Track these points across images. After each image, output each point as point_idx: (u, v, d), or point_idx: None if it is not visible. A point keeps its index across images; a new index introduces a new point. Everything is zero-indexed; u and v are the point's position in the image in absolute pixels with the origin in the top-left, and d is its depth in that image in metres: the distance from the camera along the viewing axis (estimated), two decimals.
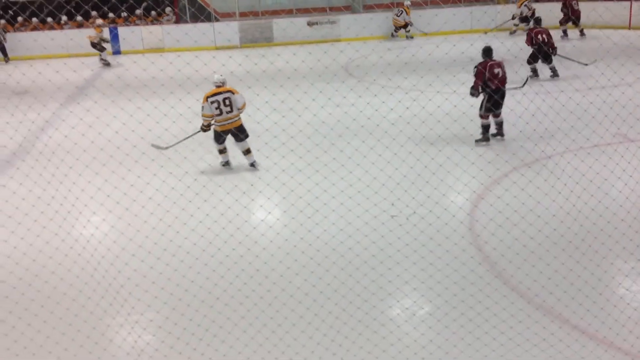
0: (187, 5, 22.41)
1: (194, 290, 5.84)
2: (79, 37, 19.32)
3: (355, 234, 6.56)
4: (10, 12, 20.39)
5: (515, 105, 8.11)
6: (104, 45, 19.29)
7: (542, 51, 12.71)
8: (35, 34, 20.44)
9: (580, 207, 6.61)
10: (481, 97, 9.50)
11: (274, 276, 6.04)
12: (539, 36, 13.05)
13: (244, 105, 8.78)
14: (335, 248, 6.34)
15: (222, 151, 9.17)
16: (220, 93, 8.66)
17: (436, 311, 5.52)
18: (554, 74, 13.27)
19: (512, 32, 20.52)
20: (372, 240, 6.42)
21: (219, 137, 8.97)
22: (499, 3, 22.86)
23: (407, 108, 8.23)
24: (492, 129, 9.50)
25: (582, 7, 18.75)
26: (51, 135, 7.94)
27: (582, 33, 19.00)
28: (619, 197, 6.80)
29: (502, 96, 9.40)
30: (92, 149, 7.62)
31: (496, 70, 9.35)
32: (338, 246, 6.38)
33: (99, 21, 19.94)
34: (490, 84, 9.31)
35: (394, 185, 7.30)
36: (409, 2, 21.15)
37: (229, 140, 9.08)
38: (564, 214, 6.59)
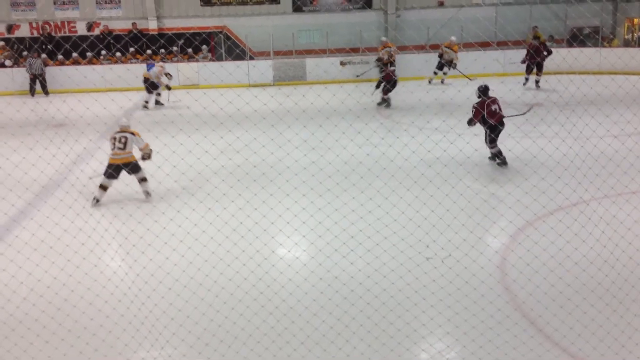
0: (223, 44, 22.88)
1: (227, 325, 5.88)
2: (117, 73, 19.63)
3: (389, 275, 6.56)
4: (50, 46, 20.97)
5: (553, 150, 8.10)
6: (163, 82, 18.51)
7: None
8: (74, 68, 20.85)
9: (618, 255, 6.55)
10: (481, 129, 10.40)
11: (306, 314, 6.04)
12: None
13: (146, 146, 9.39)
14: (369, 288, 6.35)
15: (103, 186, 9.34)
16: (120, 132, 9.38)
17: (470, 356, 5.48)
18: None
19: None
20: (406, 282, 6.41)
21: (107, 170, 9.34)
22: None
23: (445, 150, 8.28)
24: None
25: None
26: (95, 169, 8.12)
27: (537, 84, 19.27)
28: None
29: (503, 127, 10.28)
30: (135, 183, 7.78)
31: (493, 107, 10.15)
32: (372, 287, 6.38)
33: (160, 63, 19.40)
34: (490, 120, 10.17)
35: (430, 227, 7.31)
36: (384, 39, 21.26)
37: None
38: (602, 262, 6.52)
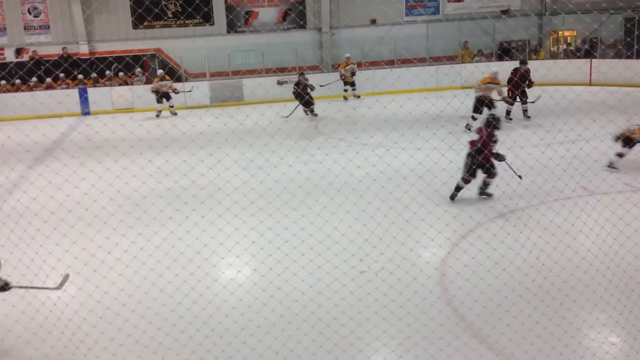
0: (157, 66, 22.66)
1: (162, 351, 5.78)
2: (47, 99, 19.25)
3: (325, 291, 6.57)
4: None
5: None
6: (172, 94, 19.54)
7: None
8: (2, 96, 20.31)
9: (544, 259, 6.73)
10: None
11: (243, 335, 5.99)
12: None
13: None
14: (305, 305, 6.35)
15: None
16: None
17: None
18: None
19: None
20: (341, 297, 6.43)
21: None
22: (463, 62, 23.49)
23: (374, 165, 8.37)
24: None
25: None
26: (19, 198, 7.90)
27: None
28: (581, 249, 6.90)
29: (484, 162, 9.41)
30: (60, 211, 7.59)
31: (475, 137, 9.41)
32: (308, 303, 6.38)
33: (160, 71, 19.96)
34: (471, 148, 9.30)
35: (363, 242, 7.36)
36: (348, 55, 21.50)
37: None
38: (528, 267, 6.70)
